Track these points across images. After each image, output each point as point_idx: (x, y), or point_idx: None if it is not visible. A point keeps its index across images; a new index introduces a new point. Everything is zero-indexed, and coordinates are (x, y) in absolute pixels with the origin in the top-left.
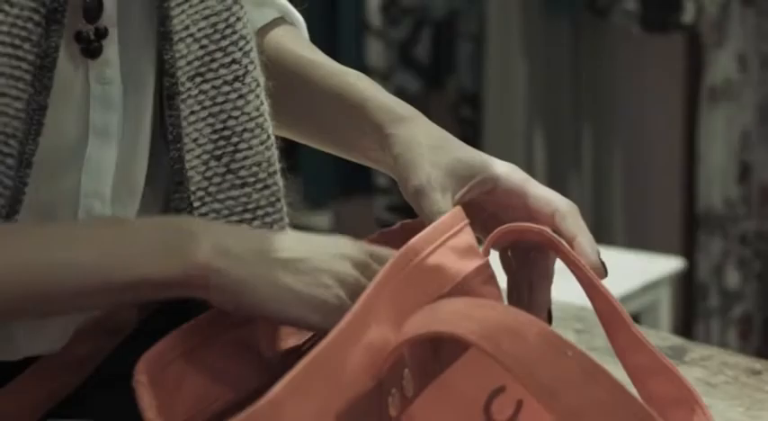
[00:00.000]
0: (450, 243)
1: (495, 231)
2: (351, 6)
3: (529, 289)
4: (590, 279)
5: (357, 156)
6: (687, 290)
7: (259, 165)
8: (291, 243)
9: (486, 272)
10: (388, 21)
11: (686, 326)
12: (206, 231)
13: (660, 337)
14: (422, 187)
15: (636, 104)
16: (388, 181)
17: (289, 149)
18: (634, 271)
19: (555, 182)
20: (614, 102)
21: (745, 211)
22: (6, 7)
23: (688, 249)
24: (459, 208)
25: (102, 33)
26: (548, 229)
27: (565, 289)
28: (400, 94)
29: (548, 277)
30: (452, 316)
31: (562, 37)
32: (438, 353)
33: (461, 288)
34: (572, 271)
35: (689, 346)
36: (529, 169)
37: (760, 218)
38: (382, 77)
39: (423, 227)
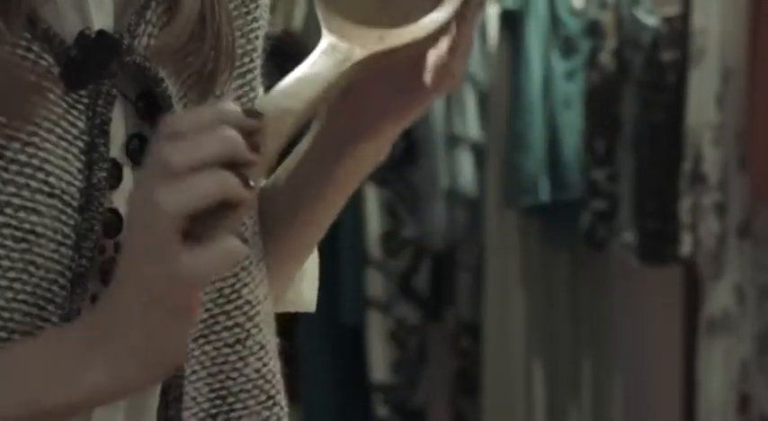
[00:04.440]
0: None
1: None
2: (351, 238)
3: None
4: None
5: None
6: None
7: None
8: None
9: None
10: (387, 252)
11: None
12: None
13: None
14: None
15: (634, 336)
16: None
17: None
18: None
19: (555, 413)
20: (613, 333)
21: None
22: (32, 268)
23: None
24: None
25: None
26: None
27: None
28: (400, 325)
29: None
30: None
31: (560, 269)
32: None
33: None
34: None
35: None
36: (528, 400)
37: None
38: (382, 309)
39: None
